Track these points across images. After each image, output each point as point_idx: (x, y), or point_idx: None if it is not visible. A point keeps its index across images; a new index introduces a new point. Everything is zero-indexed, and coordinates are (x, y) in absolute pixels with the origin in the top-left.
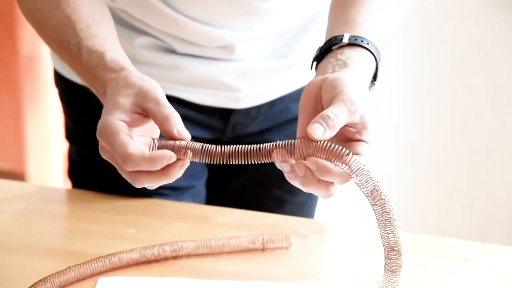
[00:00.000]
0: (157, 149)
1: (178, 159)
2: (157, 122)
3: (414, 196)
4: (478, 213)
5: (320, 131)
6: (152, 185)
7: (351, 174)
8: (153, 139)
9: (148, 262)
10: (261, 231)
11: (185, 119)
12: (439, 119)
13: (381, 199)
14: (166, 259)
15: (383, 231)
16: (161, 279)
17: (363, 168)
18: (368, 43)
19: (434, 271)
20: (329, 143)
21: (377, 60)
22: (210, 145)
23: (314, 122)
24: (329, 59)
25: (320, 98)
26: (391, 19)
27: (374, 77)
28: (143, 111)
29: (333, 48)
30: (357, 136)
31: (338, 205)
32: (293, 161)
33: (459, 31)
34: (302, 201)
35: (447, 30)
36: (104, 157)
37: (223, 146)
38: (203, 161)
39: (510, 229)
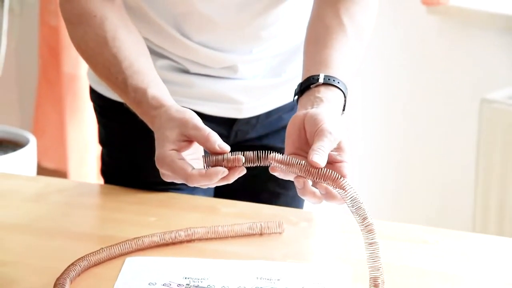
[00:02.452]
0: (210, 162)
1: (230, 169)
2: (200, 143)
3: (385, 190)
4: (436, 204)
5: (321, 160)
6: (215, 185)
7: (347, 200)
8: (204, 156)
9: (166, 244)
10: (259, 219)
11: None
12: (404, 127)
13: (369, 224)
14: (181, 242)
15: (368, 251)
16: (177, 259)
17: (357, 198)
18: (338, 82)
19: (400, 251)
20: (336, 174)
21: (345, 95)
22: (248, 152)
23: (313, 155)
24: (309, 96)
25: (303, 128)
26: (355, 56)
27: (344, 108)
28: (187, 138)
29: (311, 86)
30: (338, 158)
31: None
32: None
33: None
34: (293, 195)
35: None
36: (167, 180)
37: (258, 152)
38: (247, 165)
39: (461, 217)
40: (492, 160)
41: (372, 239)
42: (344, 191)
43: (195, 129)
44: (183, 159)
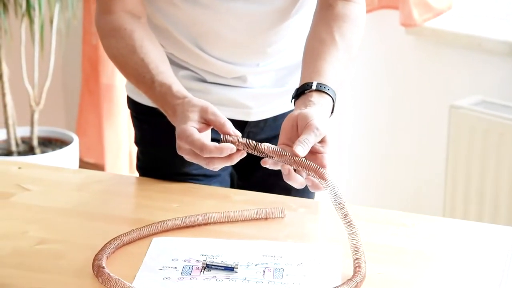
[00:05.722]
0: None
1: (238, 150)
2: (217, 127)
3: (371, 183)
4: (413, 194)
5: (302, 151)
6: (219, 166)
7: (328, 189)
8: (222, 136)
9: (186, 227)
10: (265, 206)
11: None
12: (386, 129)
13: (346, 211)
14: (199, 225)
15: (348, 231)
16: (195, 239)
17: (336, 189)
18: (328, 89)
19: (383, 233)
20: (317, 166)
21: (334, 100)
22: (254, 141)
23: (297, 145)
24: (303, 100)
25: (296, 125)
26: (344, 67)
27: (332, 111)
28: (205, 121)
29: (305, 92)
30: (321, 149)
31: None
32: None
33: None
34: (302, 190)
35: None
36: (181, 153)
37: (259, 144)
38: (250, 152)
39: (434, 204)
40: (459, 157)
41: (349, 222)
42: (324, 181)
43: (214, 115)
44: (200, 135)
